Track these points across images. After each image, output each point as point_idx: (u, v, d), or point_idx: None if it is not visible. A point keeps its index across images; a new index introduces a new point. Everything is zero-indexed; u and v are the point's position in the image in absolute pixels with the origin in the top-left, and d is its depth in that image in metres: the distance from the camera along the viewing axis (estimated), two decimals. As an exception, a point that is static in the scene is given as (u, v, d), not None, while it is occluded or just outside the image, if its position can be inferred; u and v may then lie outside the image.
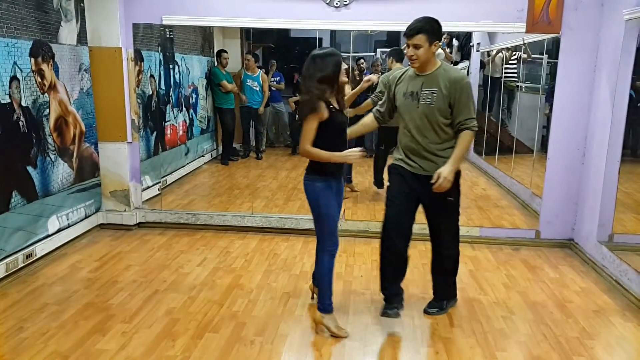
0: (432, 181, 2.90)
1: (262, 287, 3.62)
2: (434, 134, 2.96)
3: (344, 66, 2.92)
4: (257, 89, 6.63)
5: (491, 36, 6.37)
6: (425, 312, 3.28)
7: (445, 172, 2.88)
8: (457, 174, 3.05)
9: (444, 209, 3.09)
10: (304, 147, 2.81)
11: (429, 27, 2.86)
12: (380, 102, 3.31)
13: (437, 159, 2.97)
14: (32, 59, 3.78)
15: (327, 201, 2.91)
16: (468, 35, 6.81)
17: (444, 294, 3.31)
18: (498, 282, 3.79)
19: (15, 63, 3.59)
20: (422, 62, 2.91)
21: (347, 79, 2.97)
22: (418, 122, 2.97)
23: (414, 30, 2.86)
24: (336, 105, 2.92)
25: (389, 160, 3.30)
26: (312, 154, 2.82)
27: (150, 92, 5.29)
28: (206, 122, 6.93)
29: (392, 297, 3.14)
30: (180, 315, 3.18)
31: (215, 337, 2.94)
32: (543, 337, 3.04)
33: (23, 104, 3.69)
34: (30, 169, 3.80)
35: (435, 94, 2.91)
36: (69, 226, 4.30)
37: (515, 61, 6.05)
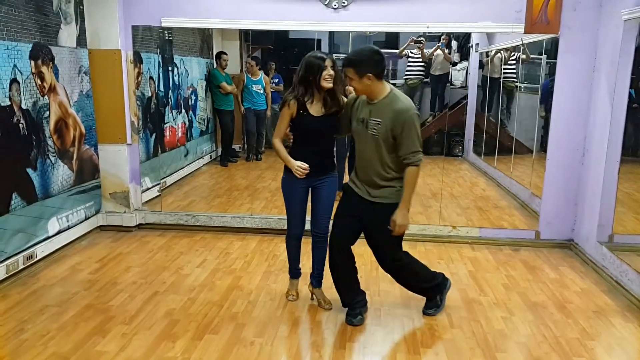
0: (389, 227, 2.91)
1: (262, 288, 3.62)
2: (379, 164, 2.91)
3: (328, 72, 2.93)
4: (261, 91, 6.65)
5: (490, 37, 6.38)
6: (424, 313, 3.28)
7: (398, 219, 2.88)
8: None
9: (380, 236, 3.04)
10: (273, 138, 3.12)
11: (357, 61, 2.80)
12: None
13: (382, 189, 2.93)
14: (32, 62, 3.78)
15: (287, 192, 3.18)
16: (467, 36, 6.83)
17: (429, 295, 3.30)
18: (498, 282, 3.79)
19: (15, 66, 3.59)
20: (360, 92, 2.90)
21: (329, 85, 2.97)
22: (366, 150, 2.94)
23: (344, 62, 2.84)
24: (313, 110, 3.01)
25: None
26: (275, 146, 3.10)
27: (150, 94, 5.30)
28: (205, 124, 6.94)
29: (355, 304, 3.18)
30: (180, 316, 3.18)
31: (215, 338, 2.94)
32: (543, 338, 3.04)
33: (23, 106, 3.69)
34: (30, 171, 3.80)
35: (380, 125, 2.84)
36: (69, 228, 4.30)
37: (514, 61, 6.06)
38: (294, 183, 3.12)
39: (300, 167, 3.02)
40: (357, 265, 3.22)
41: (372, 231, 3.08)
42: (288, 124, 3.07)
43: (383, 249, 3.12)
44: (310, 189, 3.20)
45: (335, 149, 5.34)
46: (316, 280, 3.37)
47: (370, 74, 2.80)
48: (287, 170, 3.13)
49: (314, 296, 3.39)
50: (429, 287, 3.27)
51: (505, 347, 2.92)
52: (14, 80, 3.58)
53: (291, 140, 3.12)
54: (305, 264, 3.96)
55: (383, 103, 2.86)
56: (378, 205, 2.95)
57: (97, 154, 4.70)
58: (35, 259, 3.89)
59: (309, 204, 3.25)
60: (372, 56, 2.83)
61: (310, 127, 3.04)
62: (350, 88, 3.04)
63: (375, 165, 2.92)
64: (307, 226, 3.29)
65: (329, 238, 3.20)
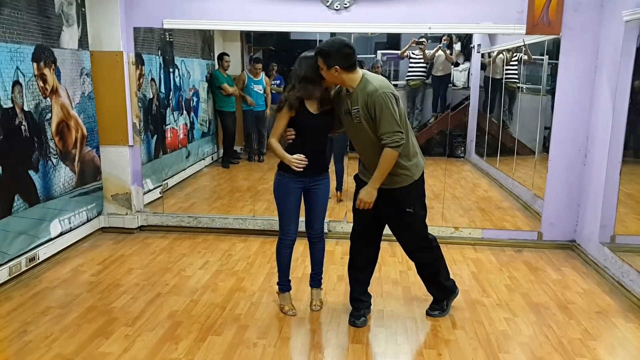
0: (408, 209, 2.97)
1: (265, 289, 3.62)
2: (371, 150, 2.91)
3: None
4: (262, 92, 6.66)
5: (491, 37, 6.39)
6: (428, 314, 3.29)
7: (361, 194, 2.93)
8: (418, 184, 3.01)
9: (403, 221, 3.06)
10: (269, 139, 3.06)
11: (325, 52, 2.81)
12: None
13: (388, 176, 2.92)
14: (35, 64, 3.79)
15: (281, 193, 3.13)
16: (469, 37, 6.83)
17: (438, 295, 3.30)
18: (500, 283, 3.79)
19: (17, 68, 3.60)
20: (330, 83, 2.91)
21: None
22: (359, 139, 2.97)
23: (315, 51, 2.85)
24: (312, 108, 3.00)
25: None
26: (271, 146, 3.04)
27: (151, 96, 5.30)
28: (207, 125, 6.95)
29: (360, 304, 3.21)
30: (183, 318, 3.19)
31: (218, 339, 2.94)
32: (545, 338, 3.04)
33: (25, 108, 3.70)
34: (32, 173, 3.81)
35: (359, 112, 2.86)
36: (71, 230, 4.30)
37: (516, 62, 6.06)
38: (289, 184, 3.08)
39: (297, 159, 2.97)
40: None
41: (389, 218, 3.09)
42: (286, 125, 3.04)
43: (405, 233, 3.13)
44: (303, 192, 3.16)
45: (333, 152, 5.39)
46: (314, 280, 3.38)
47: (337, 67, 2.80)
48: (282, 170, 3.09)
49: (313, 300, 3.38)
50: (443, 286, 3.27)
51: (508, 348, 2.92)
52: (16, 83, 3.59)
53: (293, 137, 3.06)
54: (308, 265, 3.96)
55: (357, 90, 2.87)
56: (387, 192, 2.94)
57: (99, 156, 4.70)
58: (38, 261, 3.89)
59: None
60: (342, 49, 2.81)
61: (309, 125, 3.02)
62: None
63: (372, 152, 2.92)
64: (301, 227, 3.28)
65: (351, 235, 3.22)
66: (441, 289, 3.28)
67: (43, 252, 3.95)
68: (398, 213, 3.02)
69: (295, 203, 3.14)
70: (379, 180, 2.88)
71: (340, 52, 2.80)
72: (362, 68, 2.98)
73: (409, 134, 2.96)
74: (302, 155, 2.98)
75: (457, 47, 6.91)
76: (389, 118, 2.77)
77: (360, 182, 3.14)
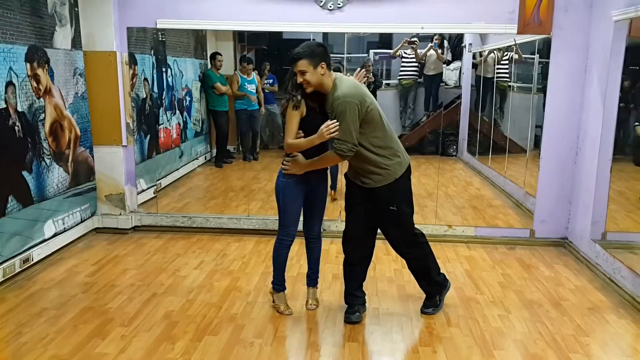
0: (391, 207, 3.02)
1: (260, 289, 3.63)
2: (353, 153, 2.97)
3: None
4: (255, 91, 6.65)
5: (483, 37, 6.43)
6: (422, 312, 3.31)
7: (293, 162, 2.98)
8: (400, 182, 3.04)
9: (388, 218, 3.10)
10: (286, 141, 3.00)
11: (308, 52, 2.86)
12: None
13: (371, 175, 3.00)
14: (28, 64, 3.77)
15: (287, 196, 3.10)
16: (460, 36, 6.87)
17: (431, 291, 3.34)
18: (494, 281, 3.83)
19: (11, 68, 3.58)
20: (314, 86, 2.91)
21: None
22: None
23: (295, 58, 2.88)
24: (318, 107, 3.00)
25: None
26: (294, 145, 2.98)
27: (144, 96, 5.29)
28: (200, 125, 6.94)
29: (354, 299, 3.24)
30: (179, 318, 3.19)
31: (214, 339, 2.95)
32: (539, 335, 3.08)
33: (19, 109, 3.68)
34: (25, 173, 3.79)
35: (331, 115, 2.93)
36: (65, 230, 4.28)
37: (507, 61, 6.11)
38: (298, 186, 3.08)
39: (327, 125, 2.87)
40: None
41: (375, 216, 3.13)
42: (298, 123, 2.98)
43: (391, 229, 3.17)
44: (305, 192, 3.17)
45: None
46: (311, 279, 3.39)
47: (323, 63, 2.87)
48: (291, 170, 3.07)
49: (309, 299, 3.39)
50: (434, 281, 3.31)
51: (503, 345, 2.96)
52: (9, 83, 3.57)
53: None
54: (303, 264, 3.98)
55: (330, 94, 2.93)
56: (370, 190, 3.02)
57: (93, 156, 4.69)
58: (32, 262, 3.87)
59: None
60: (317, 47, 2.92)
61: (317, 124, 2.98)
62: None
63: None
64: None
65: (345, 232, 3.25)
66: (432, 284, 3.32)
67: (37, 253, 3.94)
68: (382, 211, 3.07)
69: (300, 204, 3.16)
70: (308, 165, 2.98)
71: (317, 49, 2.90)
72: (341, 72, 3.00)
73: (389, 134, 3.02)
74: (327, 122, 2.90)
75: (445, 44, 6.94)
76: (344, 127, 2.85)
77: (350, 182, 3.18)
